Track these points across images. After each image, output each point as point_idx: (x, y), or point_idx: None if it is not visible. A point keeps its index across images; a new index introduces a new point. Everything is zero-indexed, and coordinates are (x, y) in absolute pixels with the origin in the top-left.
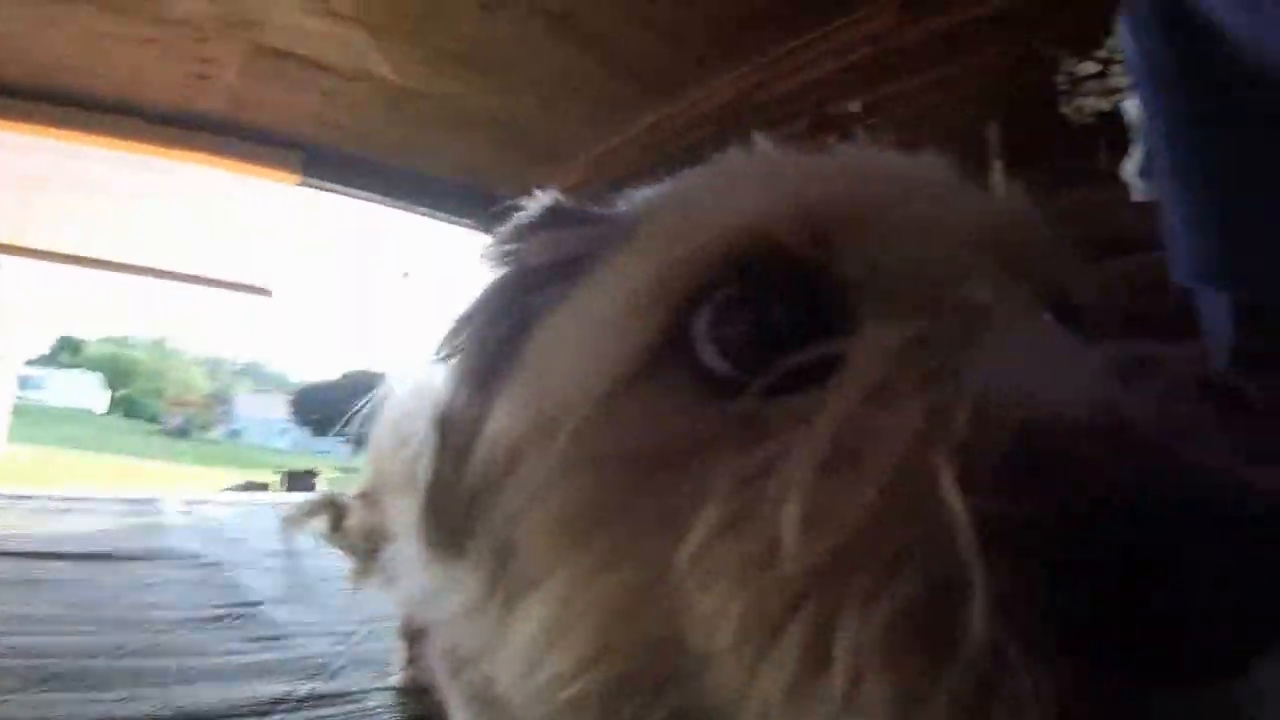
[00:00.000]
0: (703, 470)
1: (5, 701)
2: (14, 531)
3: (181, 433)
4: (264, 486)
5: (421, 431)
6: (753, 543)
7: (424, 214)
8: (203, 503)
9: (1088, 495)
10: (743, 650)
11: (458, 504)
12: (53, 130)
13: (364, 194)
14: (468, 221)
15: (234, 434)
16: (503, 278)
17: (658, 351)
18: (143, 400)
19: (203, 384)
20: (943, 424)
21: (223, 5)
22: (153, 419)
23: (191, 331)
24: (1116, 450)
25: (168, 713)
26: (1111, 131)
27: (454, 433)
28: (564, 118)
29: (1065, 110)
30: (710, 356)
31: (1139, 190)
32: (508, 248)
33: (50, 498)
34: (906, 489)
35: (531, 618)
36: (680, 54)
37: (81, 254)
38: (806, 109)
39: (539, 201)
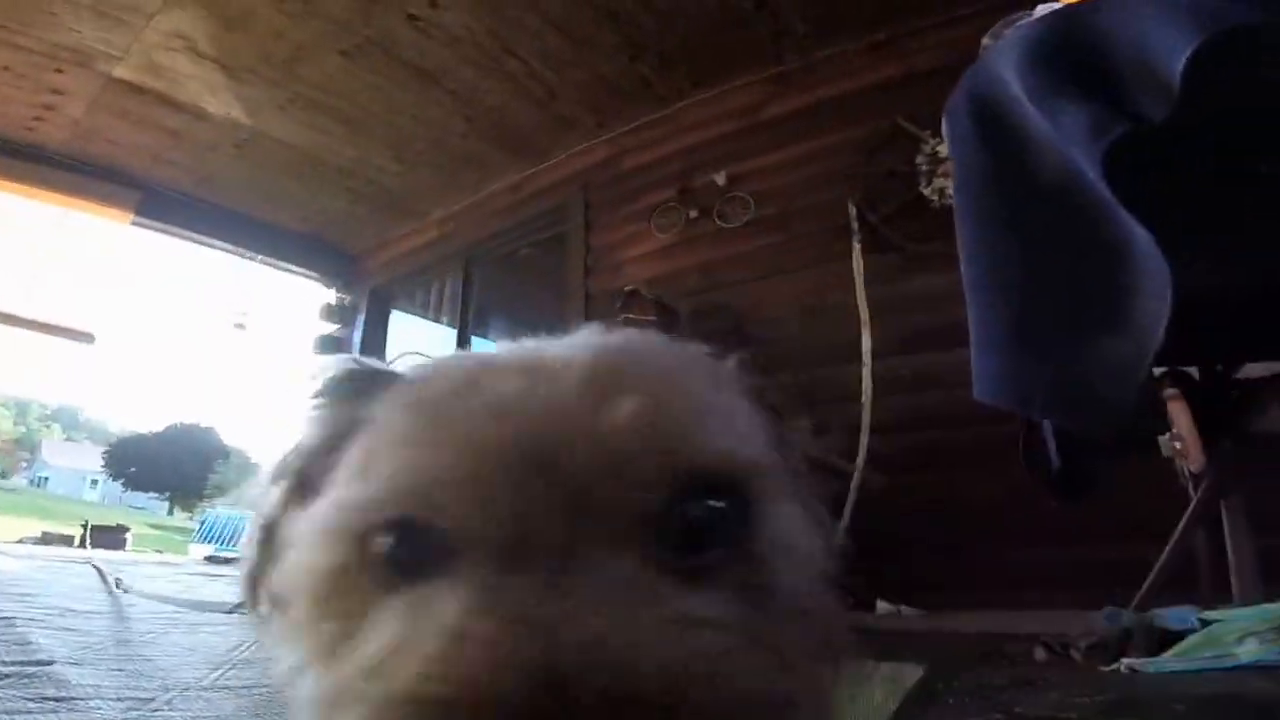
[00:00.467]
0: (362, 627)
1: None
2: None
3: None
4: (67, 540)
5: (251, 530)
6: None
7: (264, 262)
8: None
9: None
10: None
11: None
12: None
13: (201, 237)
14: (310, 273)
15: (39, 482)
16: (304, 438)
17: (347, 558)
18: None
19: (8, 427)
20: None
21: (86, 35)
22: None
23: None
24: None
25: None
26: None
27: (267, 535)
28: (420, 172)
29: (925, 191)
30: (378, 571)
31: None
32: (316, 407)
33: None
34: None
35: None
36: (545, 116)
37: None
38: (672, 179)
39: (340, 361)
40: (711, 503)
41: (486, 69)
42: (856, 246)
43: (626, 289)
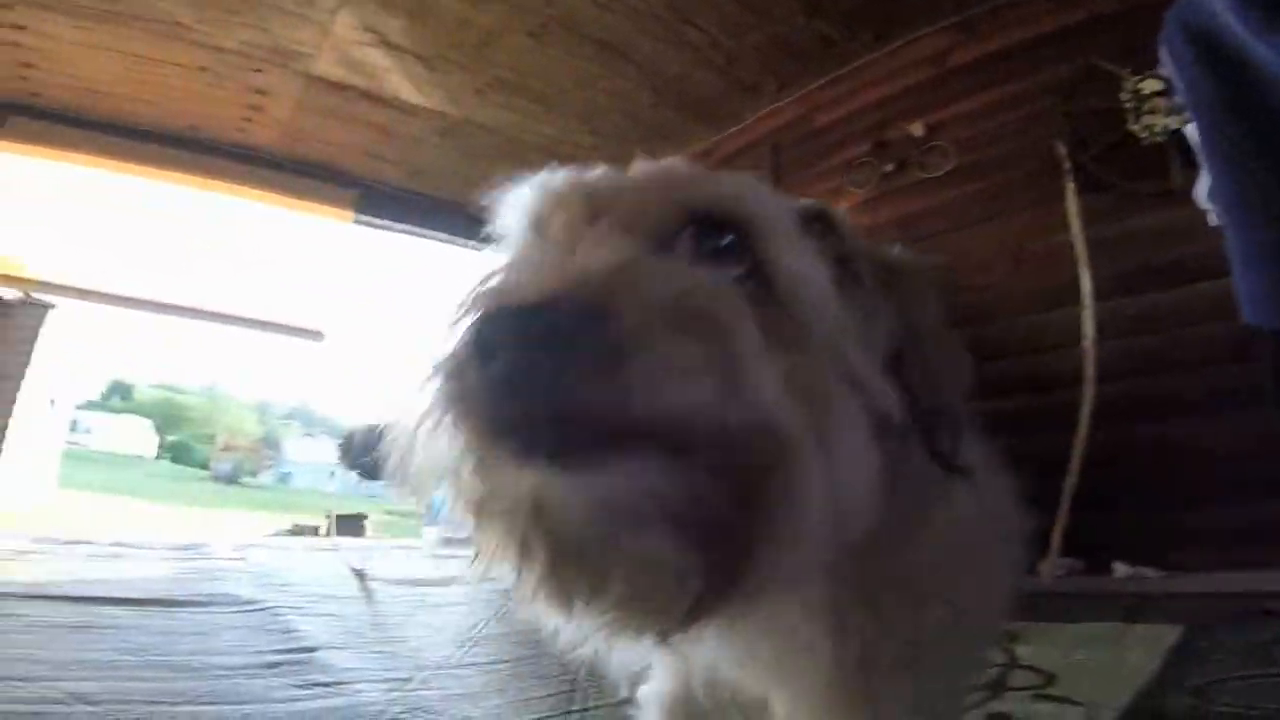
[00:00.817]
0: None
1: None
2: (70, 576)
3: (230, 479)
4: (314, 530)
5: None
6: None
7: (477, 248)
8: (253, 547)
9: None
10: None
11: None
12: (102, 160)
13: (419, 230)
14: None
15: (283, 478)
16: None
17: None
18: (193, 446)
19: (253, 428)
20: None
21: (276, 35)
22: (202, 465)
23: (241, 376)
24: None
25: None
26: (1185, 150)
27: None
28: (614, 145)
29: (1133, 129)
30: None
31: (1210, 214)
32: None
33: (102, 544)
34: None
35: None
36: (730, 81)
37: (132, 295)
38: (864, 133)
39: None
40: (722, 238)
41: (667, 39)
42: (1071, 187)
43: None
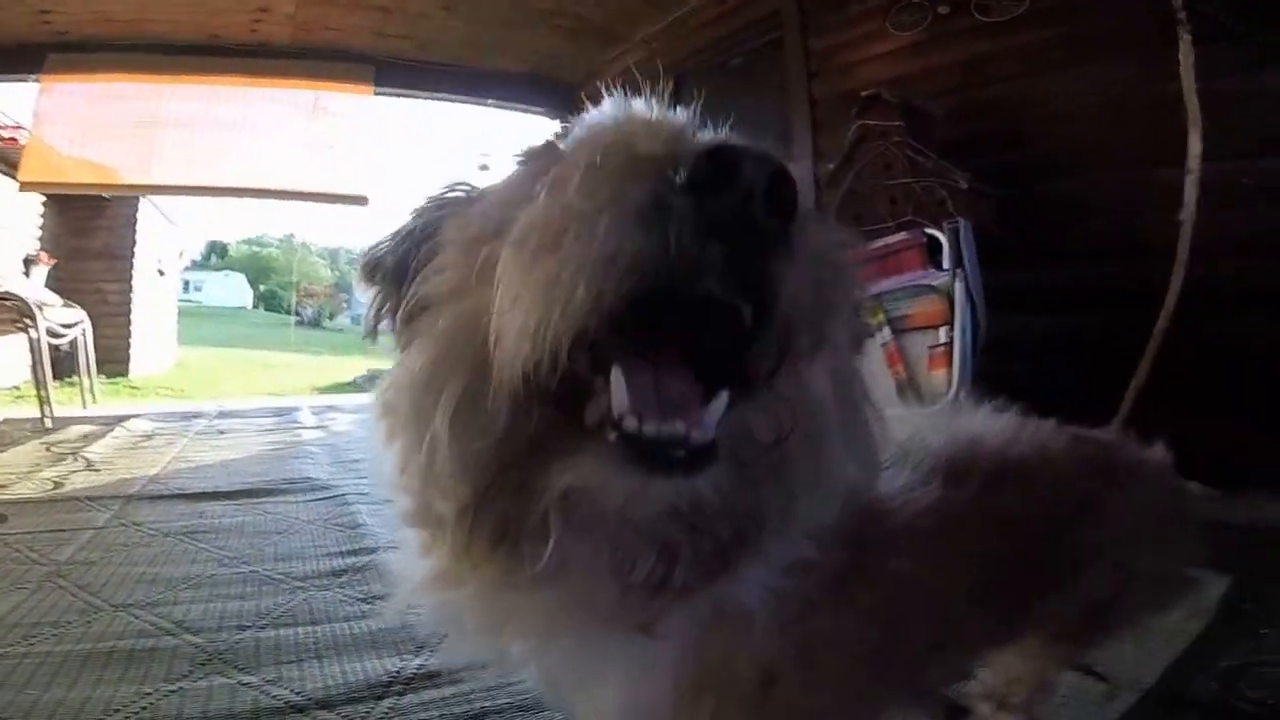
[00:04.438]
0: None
1: (176, 690)
2: (183, 464)
3: (314, 322)
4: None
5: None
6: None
7: (495, 106)
8: (331, 411)
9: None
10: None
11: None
12: (141, 76)
13: (436, 94)
14: (536, 109)
15: (357, 320)
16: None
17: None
18: (280, 294)
19: (326, 275)
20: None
21: None
22: (289, 311)
23: (313, 225)
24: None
25: (301, 699)
26: None
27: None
28: (617, 2)
29: None
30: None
31: None
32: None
33: (210, 415)
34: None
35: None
36: None
37: (196, 185)
38: None
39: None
40: None
41: None
42: (1185, 37)
43: (865, 94)
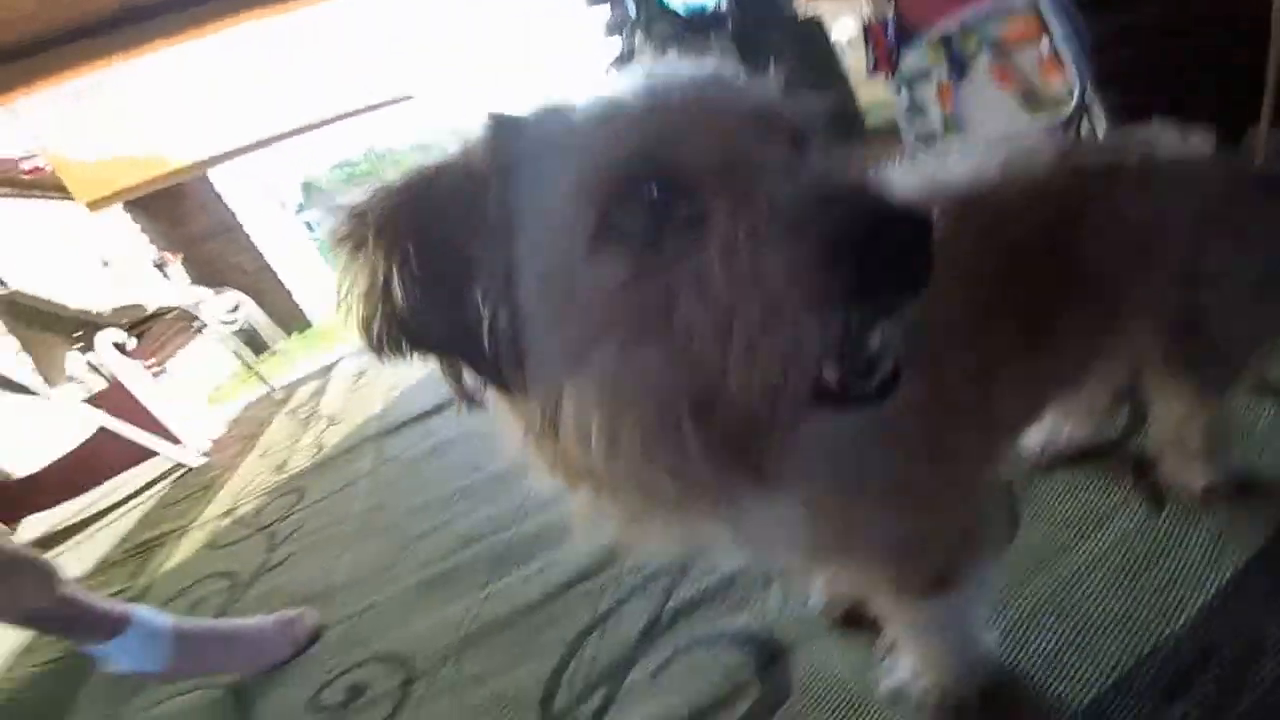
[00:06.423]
0: (653, 288)
1: (486, 595)
2: (396, 393)
3: None
4: None
5: None
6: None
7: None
8: None
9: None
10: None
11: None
12: (176, 38)
13: None
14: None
15: None
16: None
17: (595, 232)
18: None
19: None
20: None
21: None
22: None
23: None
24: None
25: (572, 576)
26: None
27: None
28: None
29: None
30: (628, 231)
31: None
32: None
33: None
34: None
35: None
36: None
37: (246, 145)
38: None
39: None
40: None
41: None
42: None
43: None
